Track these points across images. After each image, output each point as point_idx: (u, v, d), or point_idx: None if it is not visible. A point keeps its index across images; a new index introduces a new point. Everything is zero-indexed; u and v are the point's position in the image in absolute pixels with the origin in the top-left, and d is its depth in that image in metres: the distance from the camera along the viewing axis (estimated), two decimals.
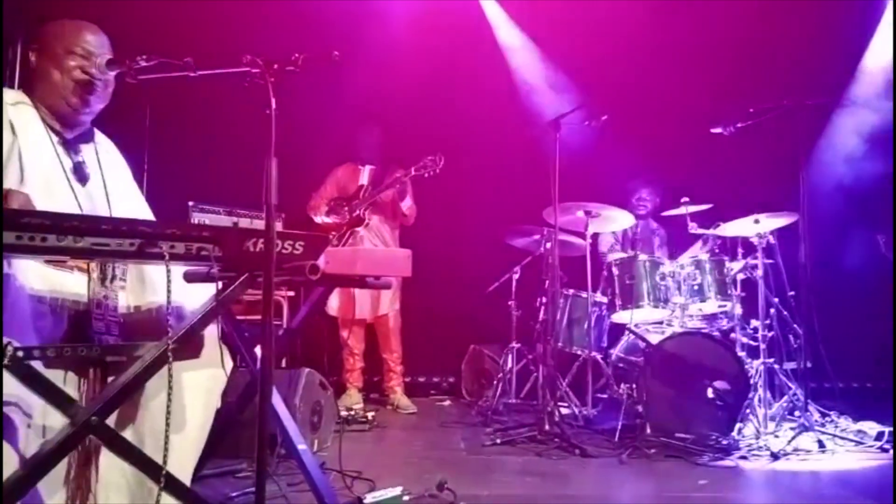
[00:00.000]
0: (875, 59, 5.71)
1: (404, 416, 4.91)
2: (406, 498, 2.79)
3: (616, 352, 4.51)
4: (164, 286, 1.68)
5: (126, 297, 2.01)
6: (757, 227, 4.14)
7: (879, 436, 3.90)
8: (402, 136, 5.06)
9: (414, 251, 2.44)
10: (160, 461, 1.69)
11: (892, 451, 3.72)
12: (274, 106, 1.53)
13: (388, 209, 4.98)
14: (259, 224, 2.99)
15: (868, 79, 5.69)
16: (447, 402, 5.41)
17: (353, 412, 4.49)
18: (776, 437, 3.87)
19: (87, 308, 1.84)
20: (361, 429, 4.32)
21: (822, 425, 4.04)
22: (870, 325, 5.12)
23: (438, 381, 5.79)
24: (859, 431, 4.02)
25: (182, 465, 1.91)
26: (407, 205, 4.88)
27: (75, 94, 2.01)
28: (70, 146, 2.05)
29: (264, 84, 1.55)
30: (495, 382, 4.89)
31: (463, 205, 5.46)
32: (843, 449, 3.76)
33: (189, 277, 1.84)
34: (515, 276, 5.10)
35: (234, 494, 2.83)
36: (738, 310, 4.24)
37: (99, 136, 2.19)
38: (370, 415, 4.49)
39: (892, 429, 3.95)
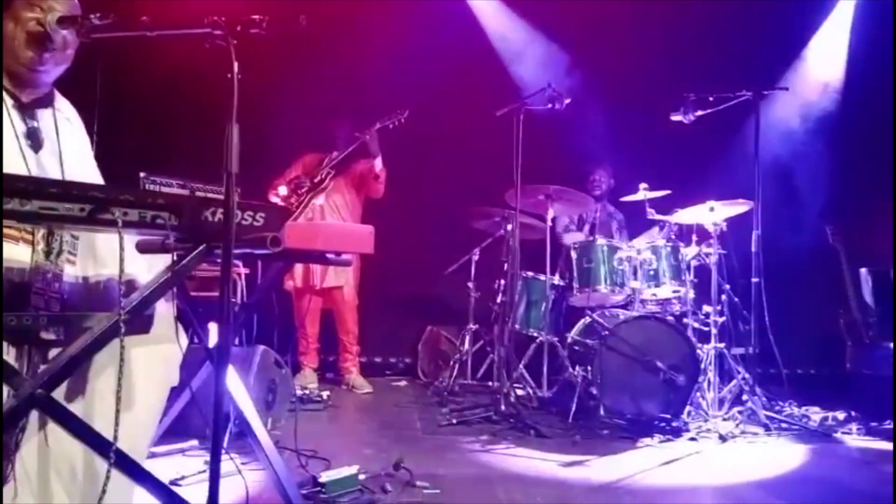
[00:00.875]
0: (822, 47, 5.84)
1: (360, 396, 4.88)
2: (362, 476, 2.77)
3: (572, 334, 4.55)
4: (116, 260, 1.60)
5: (74, 270, 1.91)
6: (712, 214, 4.21)
7: (823, 420, 4.04)
8: (365, 112, 4.98)
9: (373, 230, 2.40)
10: (111, 439, 1.62)
11: (847, 438, 3.85)
12: (236, 70, 1.47)
13: (355, 180, 4.92)
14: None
15: (818, 68, 5.82)
16: (403, 383, 5.39)
17: (307, 391, 4.44)
18: (724, 420, 3.96)
19: (29, 280, 1.74)
20: (316, 408, 4.28)
21: (770, 409, 4.15)
22: (815, 314, 5.28)
23: (395, 362, 5.75)
24: (804, 416, 4.16)
25: (135, 444, 1.84)
26: (379, 165, 4.83)
27: (29, 47, 1.86)
28: (25, 110, 1.91)
29: (226, 47, 1.48)
30: (452, 363, 4.89)
31: (423, 185, 5.42)
32: (789, 433, 3.87)
33: (142, 247, 1.76)
34: (475, 258, 5.10)
35: (186, 474, 2.77)
36: (691, 295, 4.32)
37: (60, 102, 2.04)
38: (325, 394, 4.46)
39: (835, 414, 4.10)
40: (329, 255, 2.33)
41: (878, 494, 3.02)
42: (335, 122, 4.96)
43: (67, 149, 1.98)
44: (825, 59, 5.83)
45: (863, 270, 4.58)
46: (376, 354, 5.66)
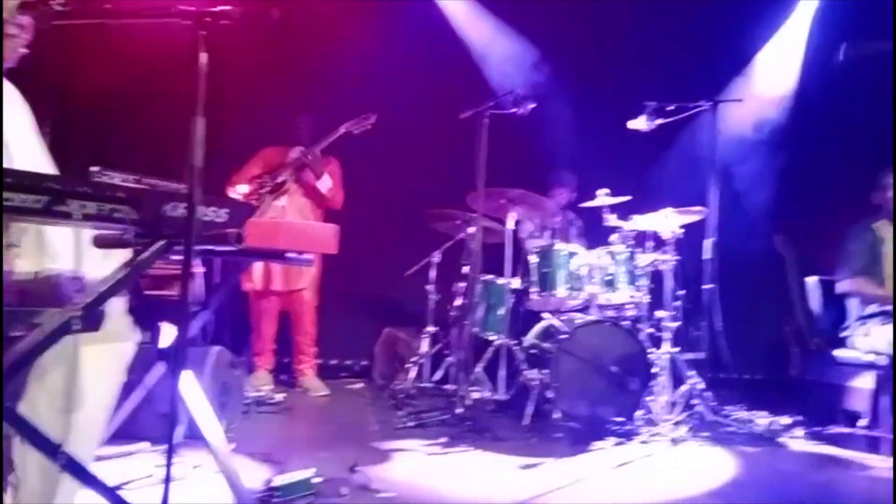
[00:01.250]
0: (776, 56, 5.99)
1: (315, 398, 4.81)
2: (317, 480, 2.73)
3: (529, 338, 4.58)
4: (64, 253, 1.53)
5: (21, 265, 1.83)
6: (667, 222, 4.28)
7: (769, 425, 4.15)
8: (328, 109, 4.93)
9: None
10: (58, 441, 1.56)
11: (791, 443, 3.95)
12: (204, 61, 1.43)
13: (314, 188, 4.84)
14: None
15: (772, 77, 5.97)
16: (359, 386, 5.33)
17: (261, 393, 4.36)
18: (675, 423, 4.02)
19: None
20: (270, 410, 4.20)
21: (718, 414, 4.23)
22: (765, 320, 5.42)
23: (351, 364, 5.68)
24: (750, 421, 4.25)
25: (83, 446, 1.77)
26: (326, 185, 4.77)
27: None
28: None
29: (194, 36, 1.44)
30: (408, 366, 4.86)
31: (384, 186, 5.38)
32: (735, 437, 3.93)
33: (100, 242, 1.69)
34: (435, 261, 5.08)
35: (135, 478, 2.69)
36: (646, 300, 4.38)
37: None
38: (280, 396, 4.38)
39: (779, 419, 4.20)
40: (290, 255, 2.29)
41: (820, 498, 3.11)
42: (298, 117, 4.88)
43: (13, 132, 1.89)
44: (779, 68, 5.96)
45: (810, 279, 4.69)
46: (332, 356, 5.57)
